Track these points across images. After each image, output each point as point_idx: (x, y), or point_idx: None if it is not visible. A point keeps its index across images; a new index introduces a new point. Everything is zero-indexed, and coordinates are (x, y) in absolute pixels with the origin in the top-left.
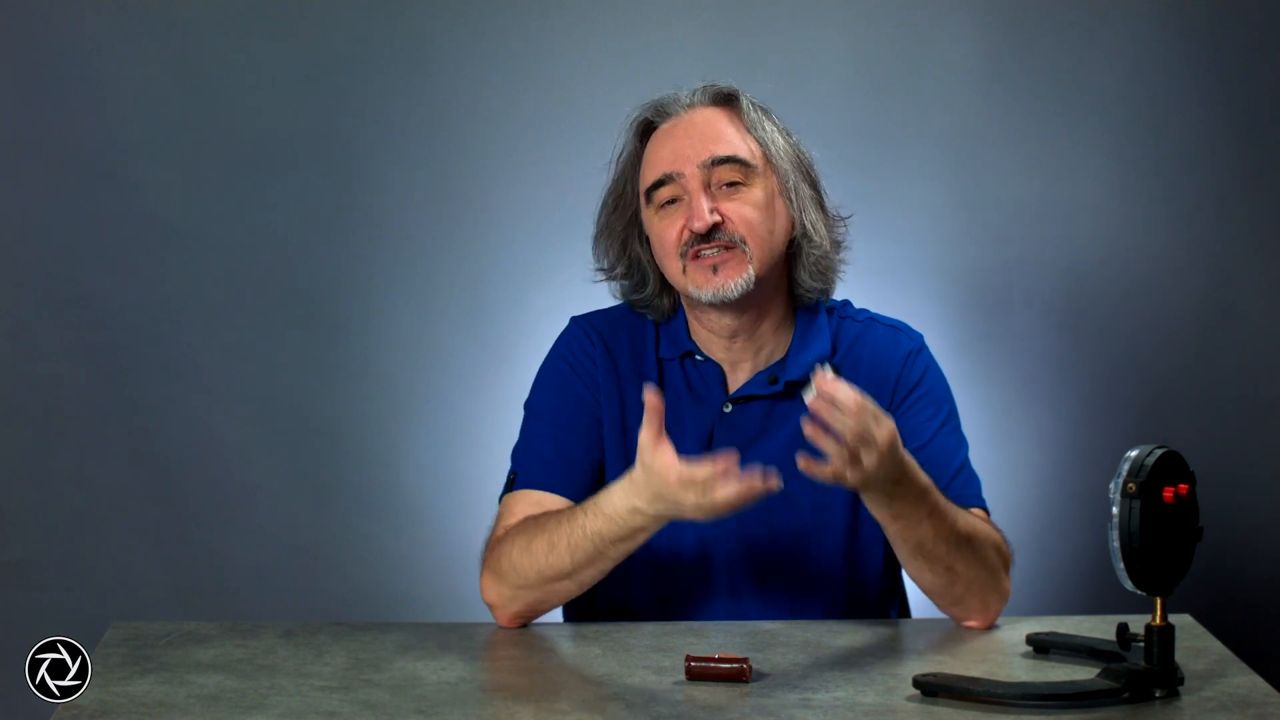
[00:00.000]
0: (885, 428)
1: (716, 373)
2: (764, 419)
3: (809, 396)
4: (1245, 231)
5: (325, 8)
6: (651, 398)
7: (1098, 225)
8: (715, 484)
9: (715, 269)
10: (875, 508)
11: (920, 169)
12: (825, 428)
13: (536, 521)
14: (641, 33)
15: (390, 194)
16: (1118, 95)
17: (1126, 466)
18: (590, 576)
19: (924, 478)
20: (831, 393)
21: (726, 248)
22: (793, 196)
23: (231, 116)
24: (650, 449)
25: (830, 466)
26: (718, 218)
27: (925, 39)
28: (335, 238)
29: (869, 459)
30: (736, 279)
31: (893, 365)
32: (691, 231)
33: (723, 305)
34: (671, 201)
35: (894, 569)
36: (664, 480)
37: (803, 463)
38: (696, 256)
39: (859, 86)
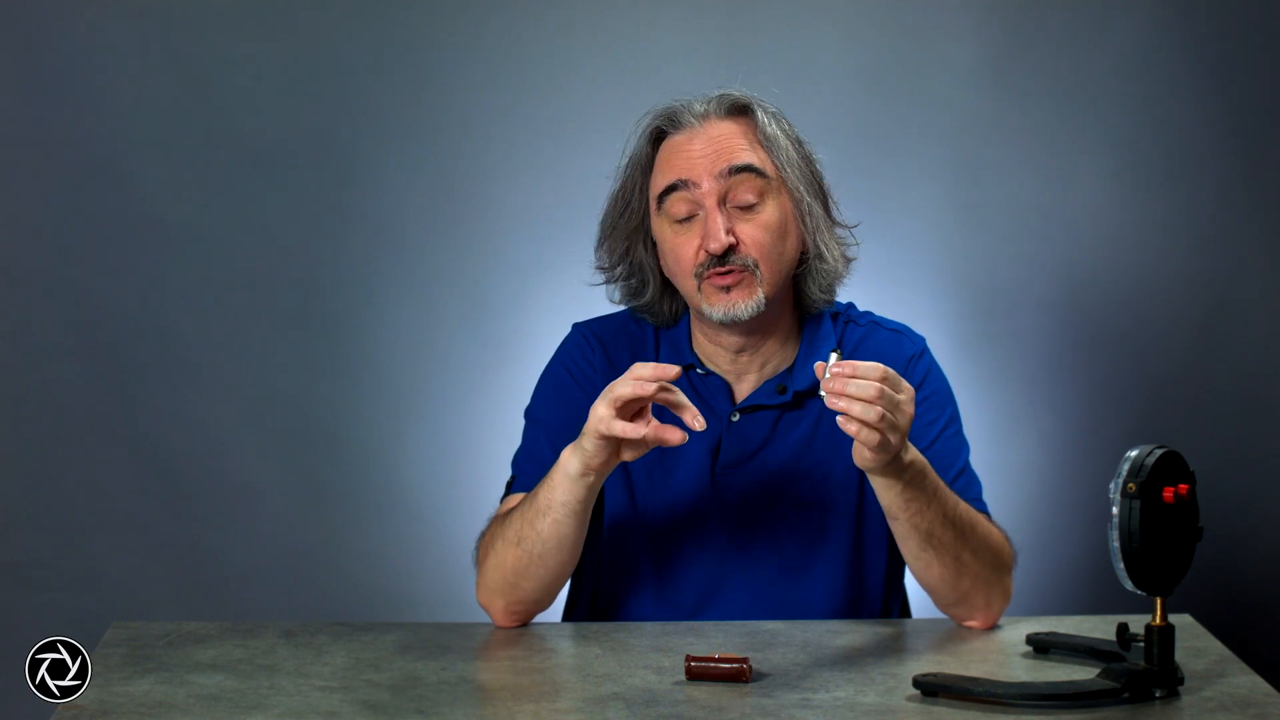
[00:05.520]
0: (906, 391)
1: (720, 384)
2: (771, 427)
3: (825, 379)
4: (1245, 231)
5: (326, 8)
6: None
7: (1098, 225)
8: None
9: (728, 289)
10: (887, 494)
11: (921, 170)
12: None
13: (513, 509)
14: (642, 33)
15: (390, 194)
16: (1118, 95)
17: (1126, 466)
18: (548, 549)
19: (922, 458)
20: (850, 367)
21: (739, 270)
22: (806, 218)
23: (231, 116)
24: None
25: (865, 439)
26: (733, 239)
27: (925, 39)
28: (335, 238)
29: (902, 420)
30: (748, 301)
31: (895, 368)
32: (707, 253)
33: (732, 324)
34: (688, 219)
35: (897, 573)
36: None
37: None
38: (710, 276)
39: (859, 87)
